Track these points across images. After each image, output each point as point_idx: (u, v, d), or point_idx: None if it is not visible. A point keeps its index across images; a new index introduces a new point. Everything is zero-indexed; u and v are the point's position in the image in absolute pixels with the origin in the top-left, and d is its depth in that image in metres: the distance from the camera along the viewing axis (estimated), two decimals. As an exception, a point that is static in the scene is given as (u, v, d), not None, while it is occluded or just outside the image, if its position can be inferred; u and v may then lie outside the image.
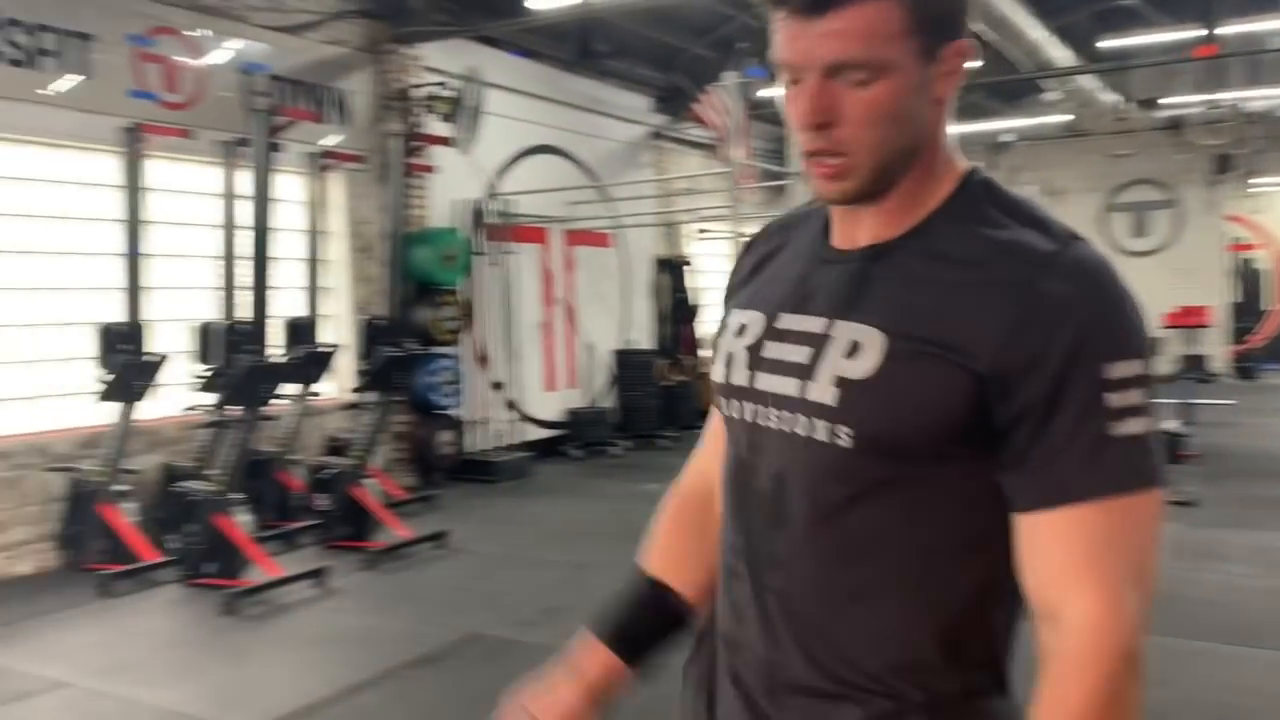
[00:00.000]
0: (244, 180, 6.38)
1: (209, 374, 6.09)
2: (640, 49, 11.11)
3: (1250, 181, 15.04)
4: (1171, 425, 8.56)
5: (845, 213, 1.11)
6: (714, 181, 12.02)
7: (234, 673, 4.57)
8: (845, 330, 1.06)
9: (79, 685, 4.34)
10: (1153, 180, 16.49)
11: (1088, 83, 11.90)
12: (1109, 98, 12.33)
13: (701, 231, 12.69)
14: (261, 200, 5.89)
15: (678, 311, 11.97)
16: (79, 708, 4.14)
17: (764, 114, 12.38)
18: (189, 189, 7.33)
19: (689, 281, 12.16)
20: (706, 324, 12.29)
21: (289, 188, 7.56)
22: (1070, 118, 13.03)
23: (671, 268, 12.02)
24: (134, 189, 6.11)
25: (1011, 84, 14.01)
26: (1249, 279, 18.15)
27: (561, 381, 10.46)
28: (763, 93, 10.67)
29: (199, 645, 4.97)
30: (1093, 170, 16.53)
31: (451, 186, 8.92)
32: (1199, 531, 6.36)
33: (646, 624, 1.32)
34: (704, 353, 11.95)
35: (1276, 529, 6.47)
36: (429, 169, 8.11)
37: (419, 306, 8.37)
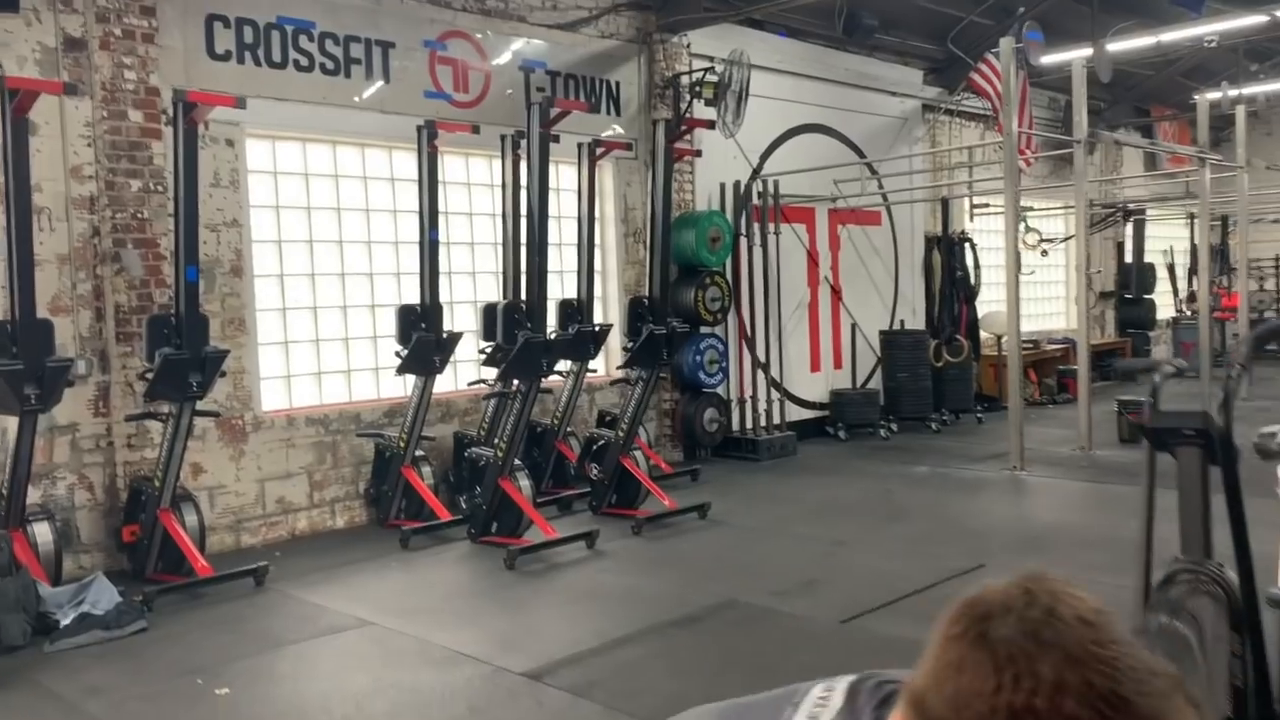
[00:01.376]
0: (524, 171, 6.84)
1: (492, 350, 6.58)
2: (911, 20, 10.80)
3: None
4: None
5: None
6: (990, 154, 11.53)
7: (513, 621, 4.96)
8: None
9: (382, 624, 4.86)
10: None
11: None
12: None
13: (977, 207, 12.17)
14: (538, 188, 6.27)
15: (954, 290, 11.55)
16: (382, 643, 4.64)
17: (1043, 80, 11.71)
18: (476, 181, 7.95)
19: (967, 259, 11.70)
20: (985, 304, 11.81)
21: (564, 177, 8.02)
22: None
23: (947, 245, 11.61)
24: (428, 182, 6.68)
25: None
26: None
27: (827, 362, 10.40)
28: (1042, 58, 10.09)
29: (483, 595, 5.42)
30: None
31: (717, 169, 9.09)
32: None
33: None
34: (982, 334, 11.48)
35: None
36: (695, 153, 8.31)
37: (685, 287, 8.61)
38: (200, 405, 5.62)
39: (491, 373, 6.94)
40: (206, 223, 5.94)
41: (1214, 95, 11.54)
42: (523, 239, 6.77)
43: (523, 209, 6.93)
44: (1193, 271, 14.47)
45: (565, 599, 5.33)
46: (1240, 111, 10.79)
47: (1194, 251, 14.12)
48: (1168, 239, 15.56)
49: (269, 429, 6.63)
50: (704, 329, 8.81)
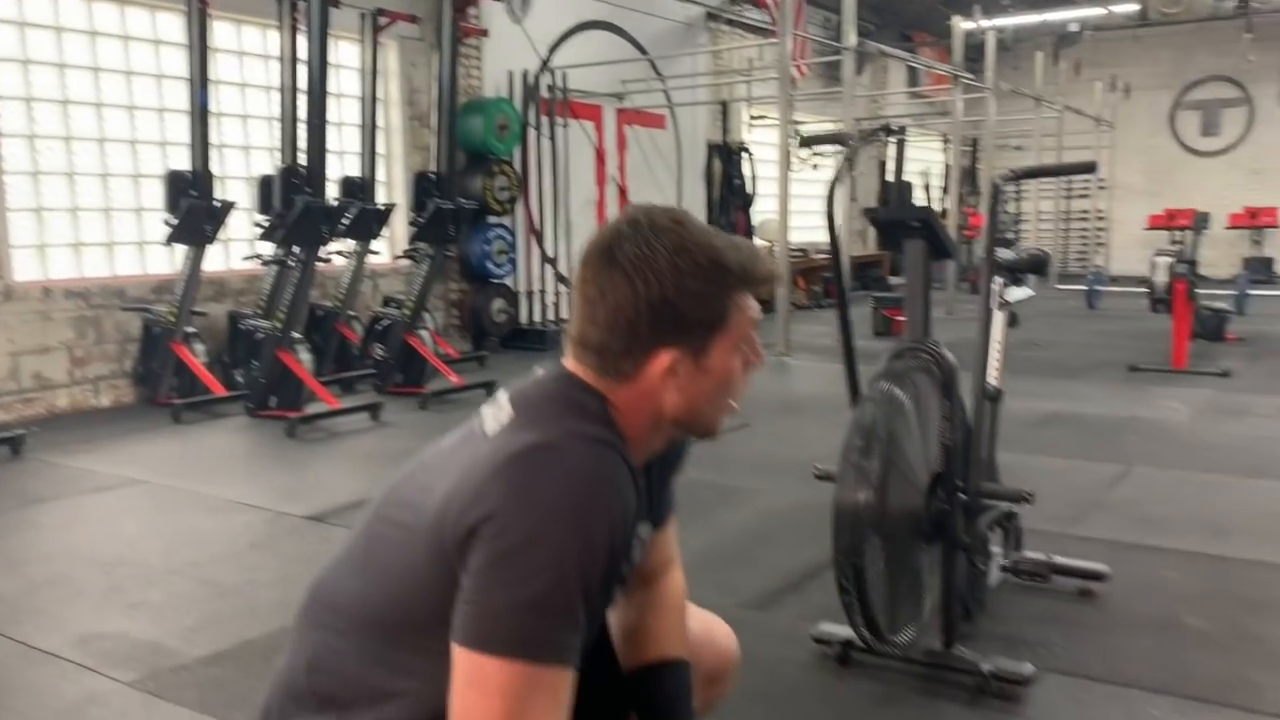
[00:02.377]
0: (303, 41, 6.61)
1: (271, 222, 6.39)
2: (697, -72, 11.01)
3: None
4: (1220, 307, 8.58)
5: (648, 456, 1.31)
6: (767, 64, 11.99)
7: (293, 477, 4.95)
8: None
9: (153, 482, 4.75)
10: (1225, 77, 16.00)
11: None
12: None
13: (755, 118, 12.68)
14: (319, 40, 6.08)
15: (732, 198, 12.05)
16: (154, 497, 4.54)
17: (817, 0, 12.25)
18: (249, 51, 7.59)
19: (745, 168, 12.21)
20: (761, 213, 12.37)
21: (345, 54, 7.78)
22: (1138, 7, 12.64)
23: (727, 153, 12.07)
24: (198, 42, 6.34)
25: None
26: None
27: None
28: (819, -28, 10.56)
29: (262, 458, 5.37)
30: (1162, 66, 16.09)
31: (506, 58, 9.05)
32: (1229, 396, 6.50)
33: None
34: (758, 240, 12.05)
35: (1307, 394, 6.54)
36: (483, 32, 8.23)
37: (473, 175, 8.59)
38: (-58, 263, 5.22)
39: (268, 249, 6.74)
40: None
41: (968, 23, 12.42)
42: (301, 111, 6.56)
43: (301, 80, 6.70)
44: (945, 191, 15.66)
45: (348, 460, 5.36)
46: (990, 37, 11.68)
47: (947, 171, 15.26)
48: (925, 160, 16.70)
49: (22, 300, 6.21)
50: (492, 219, 8.84)
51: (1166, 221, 15.80)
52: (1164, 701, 2.51)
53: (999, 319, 3.19)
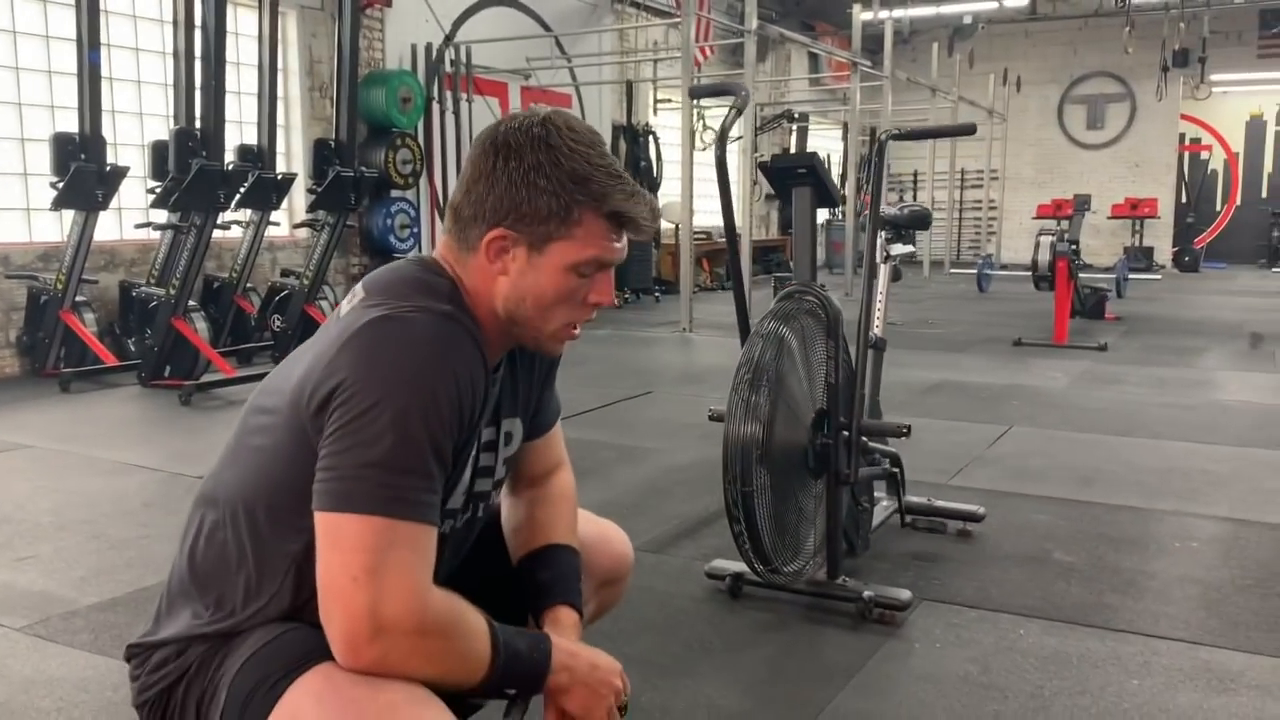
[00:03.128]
0: (198, 7, 6.47)
1: (165, 186, 6.25)
2: (602, -92, 11.07)
3: (1207, 80, 15.30)
4: (1099, 286, 9.02)
5: (500, 346, 1.36)
6: (673, 48, 12.12)
7: (187, 442, 4.88)
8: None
9: (43, 447, 4.63)
10: (1109, 73, 16.73)
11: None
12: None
13: (661, 101, 12.80)
14: (212, 16, 5.98)
15: (638, 180, 12.12)
16: (44, 461, 4.43)
17: (725, -17, 12.42)
18: (142, 15, 7.39)
19: (650, 151, 12.32)
20: (666, 196, 12.48)
21: (242, 23, 7.63)
22: (1026, 2, 13.14)
23: (633, 135, 12.16)
24: (87, 3, 6.15)
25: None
26: (1200, 178, 18.53)
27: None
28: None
29: (155, 425, 5.27)
30: (1051, 62, 16.73)
31: (409, 31, 8.98)
32: (1105, 367, 6.85)
33: None
34: (663, 223, 12.17)
35: (1174, 365, 6.94)
36: (385, 2, 8.16)
37: (375, 147, 8.51)
38: None
39: (162, 217, 6.60)
40: None
41: (866, 15, 12.74)
42: (198, 77, 6.43)
43: (197, 46, 6.57)
44: (843, 179, 16.02)
45: (246, 426, 5.29)
46: (889, 27, 12.02)
47: (845, 159, 15.63)
48: (826, 148, 17.06)
49: (-103, 265, 5.97)
50: (395, 193, 8.77)
51: (1054, 211, 16.54)
52: (1032, 624, 2.68)
53: (883, 272, 3.34)
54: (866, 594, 2.68)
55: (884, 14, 13.59)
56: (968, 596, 2.85)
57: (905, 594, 2.72)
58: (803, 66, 15.80)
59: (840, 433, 2.75)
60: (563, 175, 1.24)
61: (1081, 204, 8.91)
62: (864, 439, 2.85)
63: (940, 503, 3.45)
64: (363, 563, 1.11)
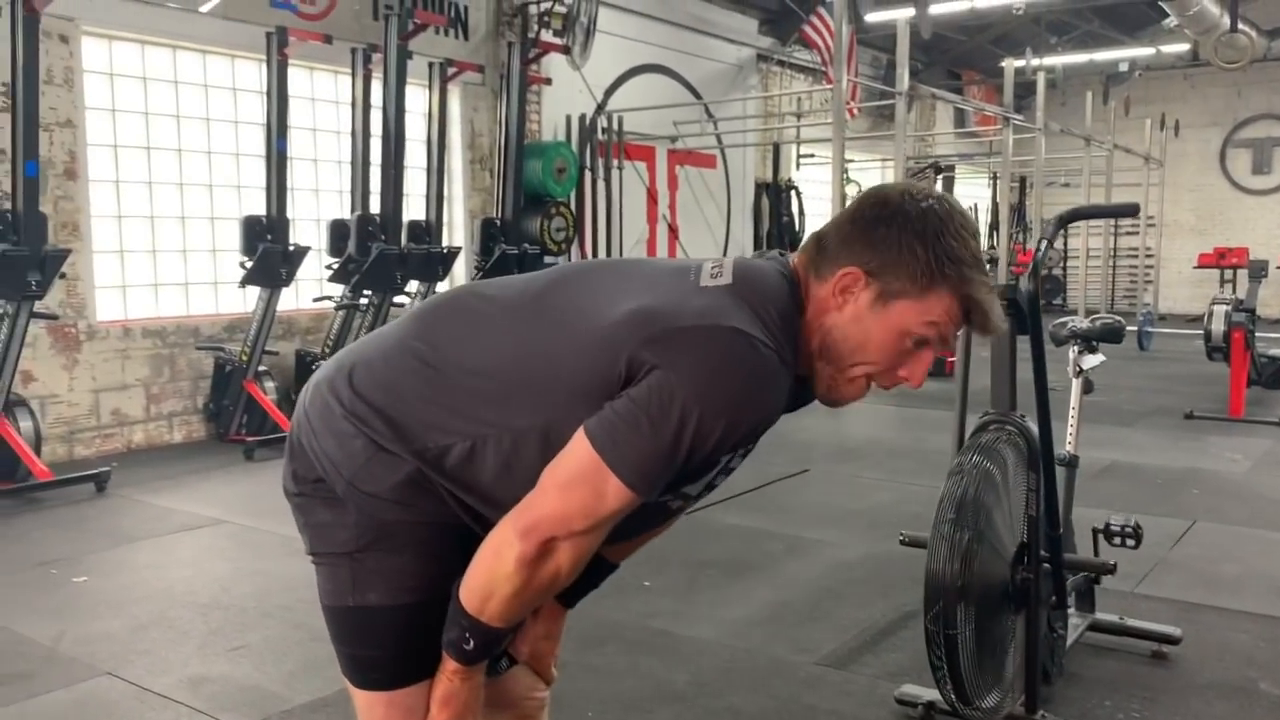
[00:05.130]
0: (375, 89, 6.85)
1: (342, 264, 6.60)
2: (749, -29, 11.22)
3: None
4: (1275, 353, 8.55)
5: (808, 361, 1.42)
6: (818, 104, 12.15)
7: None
8: None
9: (236, 522, 4.92)
10: (1276, 115, 15.93)
11: (1210, 7, 11.57)
12: (1231, 23, 11.95)
13: (804, 157, 12.81)
14: (395, 101, 6.31)
15: (780, 235, 12.18)
16: (240, 538, 4.71)
17: (867, 39, 12.39)
18: (320, 97, 7.85)
19: (793, 205, 12.34)
20: (806, 249, 12.46)
21: (412, 99, 8.00)
22: (1188, 46, 12.66)
23: (775, 191, 12.21)
24: (277, 90, 6.59)
25: (1130, 10, 13.68)
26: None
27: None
28: (870, 16, 10.69)
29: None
30: (1212, 104, 16.05)
31: (563, 102, 9.26)
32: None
33: None
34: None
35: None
36: (546, 81, 8.45)
37: (530, 216, 8.77)
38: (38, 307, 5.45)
39: (337, 290, 6.95)
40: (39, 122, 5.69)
41: (1019, 62, 12.50)
42: (374, 155, 6.79)
43: (373, 126, 6.94)
44: (994, 228, 15.66)
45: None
46: (1041, 78, 11.74)
47: (995, 209, 15.29)
48: (973, 196, 16.73)
49: (104, 339, 6.44)
50: (548, 258, 9.02)
51: (1216, 260, 15.78)
52: (1245, 771, 2.57)
53: (1075, 386, 3.28)
54: (1070, 734, 2.62)
55: (1035, 62, 13.30)
56: (1175, 735, 2.75)
57: (1110, 735, 2.64)
58: (948, 114, 15.57)
59: (1041, 565, 2.70)
60: (940, 248, 1.32)
61: (1258, 270, 8.46)
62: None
63: (1133, 622, 3.33)
64: (584, 503, 1.28)
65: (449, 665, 1.41)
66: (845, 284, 1.34)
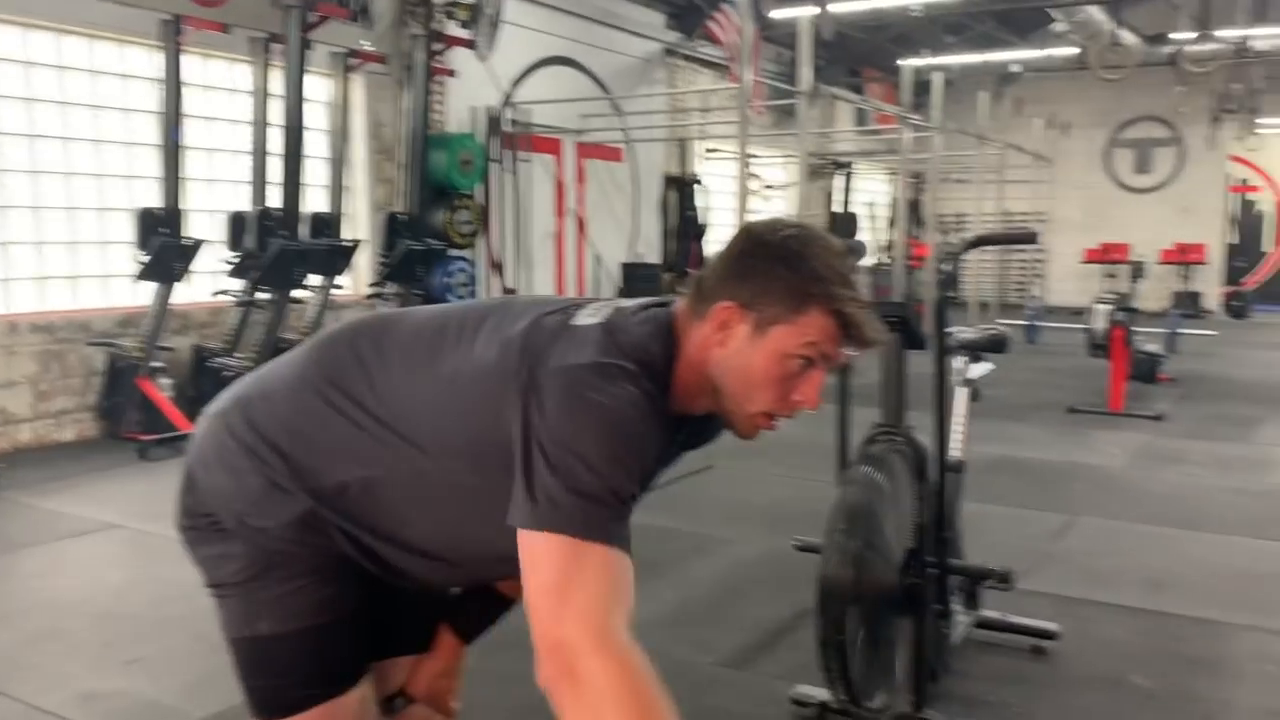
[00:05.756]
0: (275, 78, 6.69)
1: (240, 259, 6.46)
2: (656, -35, 11.26)
3: (1255, 122, 15.20)
4: (1152, 348, 8.98)
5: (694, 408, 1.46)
6: (724, 100, 12.27)
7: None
8: None
9: (130, 527, 4.80)
10: (1157, 117, 16.66)
11: (1096, 15, 12.04)
12: (1117, 31, 12.47)
13: (710, 151, 12.95)
14: (295, 95, 6.19)
15: (686, 228, 12.30)
16: (134, 544, 4.60)
17: (770, 35, 12.56)
18: (215, 85, 7.64)
19: (698, 200, 12.47)
20: (713, 242, 12.62)
21: (312, 88, 7.84)
22: (1077, 50, 13.16)
23: (681, 185, 12.32)
24: (173, 80, 6.40)
25: (1022, 14, 14.13)
26: (1249, 220, 18.38)
27: (570, 290, 10.83)
28: (774, 12, 10.85)
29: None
30: (1098, 105, 16.69)
31: (469, 93, 9.19)
32: (1164, 441, 6.84)
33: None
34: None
35: (1234, 440, 6.92)
36: (449, 72, 8.37)
37: (435, 209, 8.70)
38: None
39: (236, 284, 6.80)
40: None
41: (917, 62, 12.83)
42: (273, 148, 6.65)
43: (271, 117, 6.79)
44: (891, 223, 16.08)
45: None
46: (937, 78, 12.07)
47: (894, 205, 15.69)
48: (873, 192, 17.14)
49: (-14, 334, 6.20)
50: (453, 251, 8.95)
51: (1102, 256, 16.46)
52: (1114, 760, 2.74)
53: (962, 395, 3.42)
54: (953, 731, 2.75)
55: (933, 60, 13.66)
56: (1049, 729, 2.92)
57: (991, 730, 2.78)
58: (849, 111, 15.89)
59: (928, 570, 2.83)
60: (805, 270, 1.36)
61: (1137, 271, 8.87)
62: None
63: (1015, 619, 3.51)
64: (554, 580, 1.21)
65: None
66: (723, 319, 1.38)
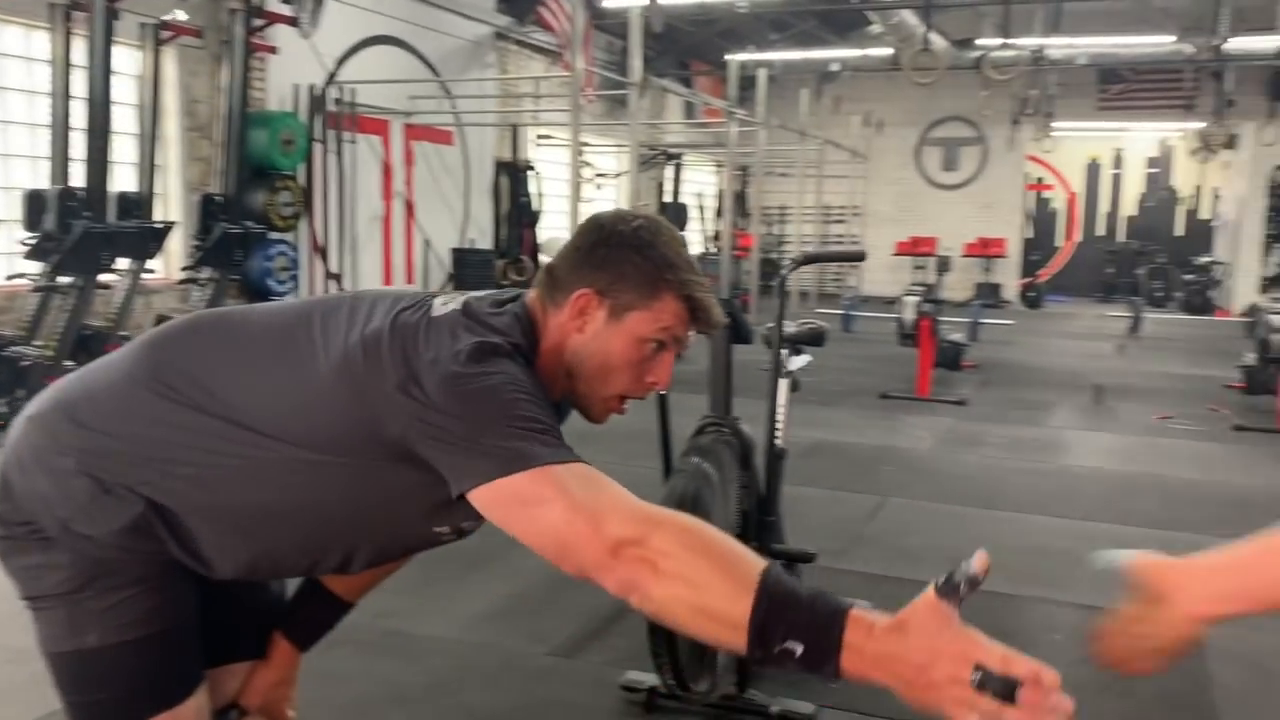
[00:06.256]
0: (79, 47, 6.27)
1: (38, 240, 6.04)
2: (486, -52, 11.13)
3: (1049, 125, 16.34)
4: (957, 337, 9.57)
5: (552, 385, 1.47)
6: (555, 88, 12.27)
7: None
8: None
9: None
10: (963, 118, 17.68)
11: (909, 19, 12.66)
12: (928, 35, 13.14)
13: (541, 138, 12.92)
14: (101, 67, 5.82)
15: (519, 215, 12.25)
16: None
17: (602, 24, 12.65)
18: (15, 53, 7.10)
19: (531, 186, 12.43)
20: (546, 229, 12.62)
21: (120, 60, 7.40)
22: (891, 51, 13.81)
23: (513, 171, 12.25)
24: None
25: (842, 15, 14.71)
26: (1043, 216, 19.82)
27: (399, 276, 10.62)
28: (606, 2, 10.92)
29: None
30: (910, 105, 17.56)
31: (291, 70, 8.86)
32: (966, 425, 7.31)
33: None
34: (543, 256, 12.29)
35: (1028, 424, 7.48)
36: (271, 49, 8.05)
37: (255, 190, 8.36)
38: None
39: (34, 267, 6.35)
40: None
41: (743, 57, 13.18)
42: (77, 123, 6.23)
43: (75, 89, 6.36)
44: (718, 214, 16.48)
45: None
46: (762, 74, 12.44)
47: (720, 196, 16.08)
48: (701, 183, 17.51)
49: None
50: (274, 235, 8.63)
51: (912, 248, 17.37)
52: (920, 729, 2.93)
53: (783, 386, 3.57)
54: (774, 709, 2.89)
55: (757, 56, 14.07)
56: (862, 702, 3.09)
57: (809, 707, 2.94)
58: (678, 103, 16.17)
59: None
60: (656, 258, 1.43)
61: (942, 264, 9.43)
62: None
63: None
64: (564, 502, 1.19)
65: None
66: (581, 306, 1.43)
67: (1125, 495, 5.56)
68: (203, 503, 1.38)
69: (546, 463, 1.21)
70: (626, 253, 1.42)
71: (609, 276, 1.42)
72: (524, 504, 1.21)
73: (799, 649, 1.09)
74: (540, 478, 1.20)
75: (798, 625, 1.09)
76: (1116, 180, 20.20)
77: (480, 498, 1.23)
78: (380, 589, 1.81)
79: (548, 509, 1.19)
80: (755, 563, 1.15)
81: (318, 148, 9.20)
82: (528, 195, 12.38)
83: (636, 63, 9.26)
